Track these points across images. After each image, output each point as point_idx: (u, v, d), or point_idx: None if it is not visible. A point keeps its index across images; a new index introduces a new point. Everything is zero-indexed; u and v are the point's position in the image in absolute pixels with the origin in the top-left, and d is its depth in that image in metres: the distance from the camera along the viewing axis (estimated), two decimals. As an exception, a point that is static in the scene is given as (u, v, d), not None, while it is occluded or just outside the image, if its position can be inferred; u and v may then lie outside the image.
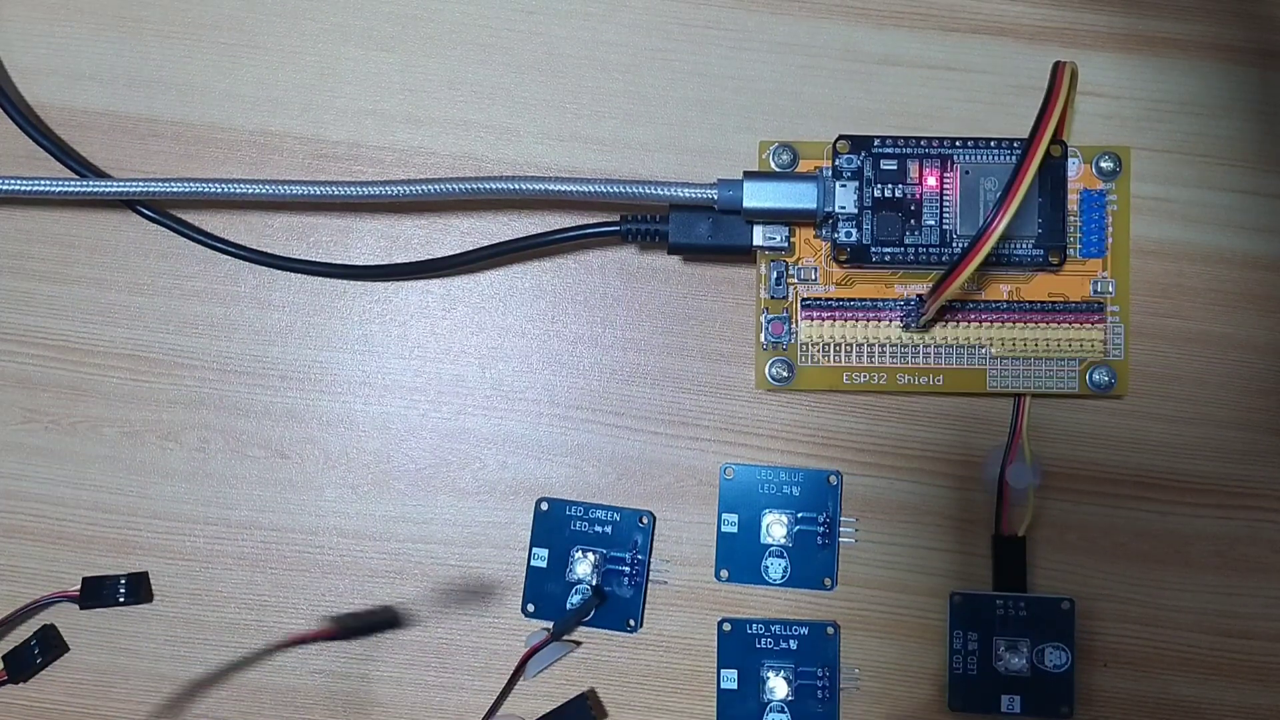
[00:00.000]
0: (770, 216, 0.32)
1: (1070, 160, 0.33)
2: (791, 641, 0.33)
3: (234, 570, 0.34)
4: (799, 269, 0.33)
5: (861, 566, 0.34)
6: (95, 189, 0.33)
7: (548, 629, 0.33)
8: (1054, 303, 0.33)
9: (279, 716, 0.34)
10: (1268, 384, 0.34)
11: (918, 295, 0.33)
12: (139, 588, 0.34)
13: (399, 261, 0.35)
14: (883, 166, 0.33)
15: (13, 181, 0.33)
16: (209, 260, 0.35)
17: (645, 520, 0.34)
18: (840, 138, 0.33)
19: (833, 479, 0.34)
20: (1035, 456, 0.33)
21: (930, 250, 0.32)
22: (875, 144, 0.33)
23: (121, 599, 0.34)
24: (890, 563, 0.34)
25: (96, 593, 0.34)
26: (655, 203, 0.32)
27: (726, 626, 0.33)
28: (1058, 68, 0.28)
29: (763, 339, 0.33)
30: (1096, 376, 0.33)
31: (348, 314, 0.35)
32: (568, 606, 0.34)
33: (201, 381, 0.35)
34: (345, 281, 0.35)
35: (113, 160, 0.35)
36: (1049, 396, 0.34)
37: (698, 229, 0.32)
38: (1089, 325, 0.33)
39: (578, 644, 0.34)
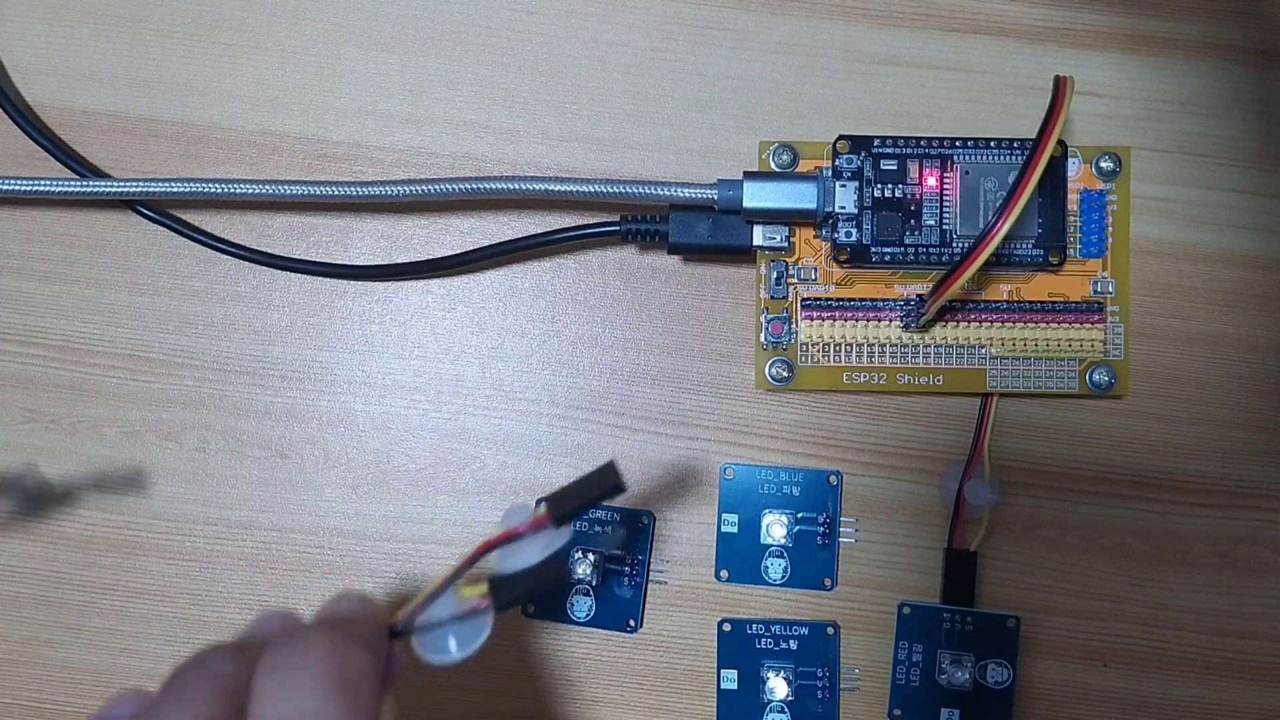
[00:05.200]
0: (770, 216, 0.32)
1: (1070, 160, 0.33)
2: (791, 642, 0.33)
3: (234, 570, 0.34)
4: (799, 269, 0.33)
5: (861, 566, 0.34)
6: (95, 189, 0.33)
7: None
8: (1054, 303, 0.33)
9: (279, 716, 0.34)
10: (1268, 384, 0.34)
11: (918, 295, 0.33)
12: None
13: (399, 261, 0.35)
14: (883, 166, 0.33)
15: (13, 181, 0.33)
16: (209, 260, 0.35)
17: (645, 520, 0.34)
18: (840, 138, 0.33)
19: (833, 479, 0.34)
20: (995, 470, 0.33)
21: (930, 250, 0.32)
22: (875, 144, 0.33)
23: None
24: (890, 563, 0.34)
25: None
26: (655, 203, 0.32)
27: (726, 627, 0.33)
28: (1059, 82, 0.28)
29: (763, 339, 0.33)
30: (1096, 376, 0.33)
31: (348, 314, 0.35)
32: (568, 607, 0.33)
33: (201, 381, 0.35)
34: (345, 281, 0.35)
35: (113, 160, 0.35)
36: (1049, 396, 0.34)
37: (698, 229, 0.32)
38: (1089, 325, 0.33)
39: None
